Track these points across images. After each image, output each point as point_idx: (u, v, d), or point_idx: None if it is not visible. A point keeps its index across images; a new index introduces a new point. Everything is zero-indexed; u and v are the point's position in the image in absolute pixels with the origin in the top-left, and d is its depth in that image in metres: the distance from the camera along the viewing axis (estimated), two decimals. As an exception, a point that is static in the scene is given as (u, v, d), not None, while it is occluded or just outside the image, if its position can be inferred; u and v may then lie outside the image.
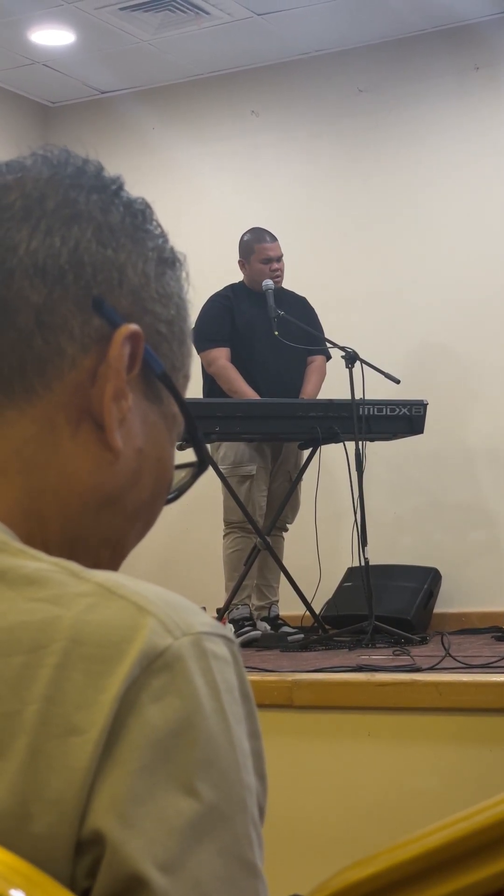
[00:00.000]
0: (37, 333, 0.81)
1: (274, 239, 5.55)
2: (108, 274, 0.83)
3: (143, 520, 0.88)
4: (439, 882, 0.69)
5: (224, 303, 5.47)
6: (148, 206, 0.89)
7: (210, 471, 5.21)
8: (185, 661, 0.70)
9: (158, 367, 0.85)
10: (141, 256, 0.85)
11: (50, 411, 0.81)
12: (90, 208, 0.84)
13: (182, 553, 6.49)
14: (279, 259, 5.51)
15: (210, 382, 5.44)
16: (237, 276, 5.64)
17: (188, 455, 0.94)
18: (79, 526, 0.83)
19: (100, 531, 0.84)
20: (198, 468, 0.93)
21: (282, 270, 5.50)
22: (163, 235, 0.89)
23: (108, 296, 0.83)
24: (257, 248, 5.52)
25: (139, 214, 0.87)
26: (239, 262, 5.59)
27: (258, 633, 5.17)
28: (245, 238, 5.59)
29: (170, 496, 0.91)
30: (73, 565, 0.75)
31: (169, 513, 0.90)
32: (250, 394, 5.28)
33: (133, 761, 0.68)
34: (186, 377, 0.91)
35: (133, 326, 0.82)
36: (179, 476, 0.92)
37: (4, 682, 0.69)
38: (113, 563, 0.87)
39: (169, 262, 0.88)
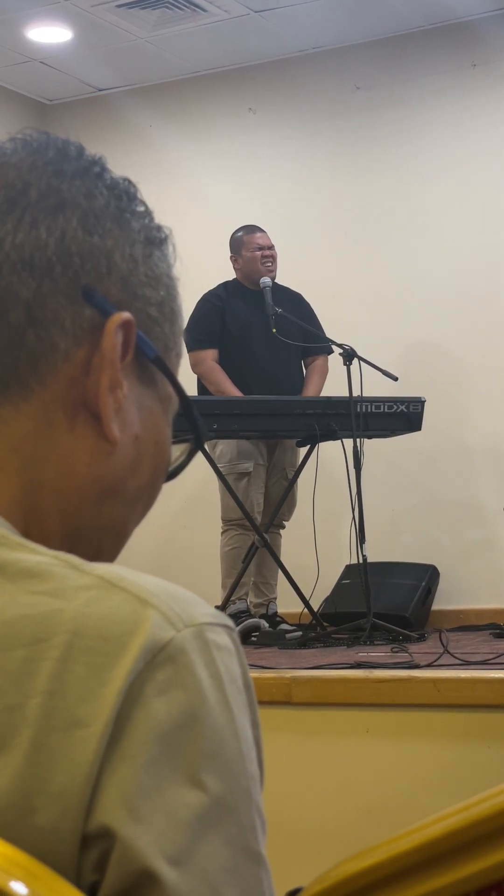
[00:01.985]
0: (28, 329, 0.80)
1: (264, 232, 5.60)
2: (96, 262, 0.82)
3: (143, 503, 0.88)
4: (439, 873, 0.69)
5: (215, 302, 5.48)
6: (132, 184, 0.87)
7: (207, 468, 5.23)
8: (189, 653, 0.70)
9: (151, 351, 0.84)
10: (128, 240, 0.84)
11: (46, 406, 0.81)
12: (74, 195, 0.83)
13: (179, 550, 6.49)
14: (270, 248, 5.55)
15: (198, 381, 5.46)
16: (234, 274, 5.65)
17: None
18: (79, 518, 0.83)
19: (100, 520, 0.84)
20: (194, 445, 0.93)
21: (274, 260, 5.53)
22: (148, 214, 0.87)
23: (97, 284, 0.82)
24: (247, 238, 5.58)
25: (124, 196, 0.86)
26: (230, 257, 5.62)
27: (257, 620, 5.18)
28: (235, 234, 5.65)
29: (168, 475, 0.90)
30: (74, 558, 0.75)
31: (166, 511, 0.91)
32: (237, 394, 5.29)
33: (140, 755, 0.68)
34: (178, 355, 0.90)
35: (125, 315, 0.82)
36: (175, 454, 0.92)
37: (6, 676, 0.69)
38: (115, 549, 0.87)
39: (156, 241, 0.87)
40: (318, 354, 5.60)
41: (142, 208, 0.87)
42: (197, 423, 0.89)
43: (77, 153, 0.86)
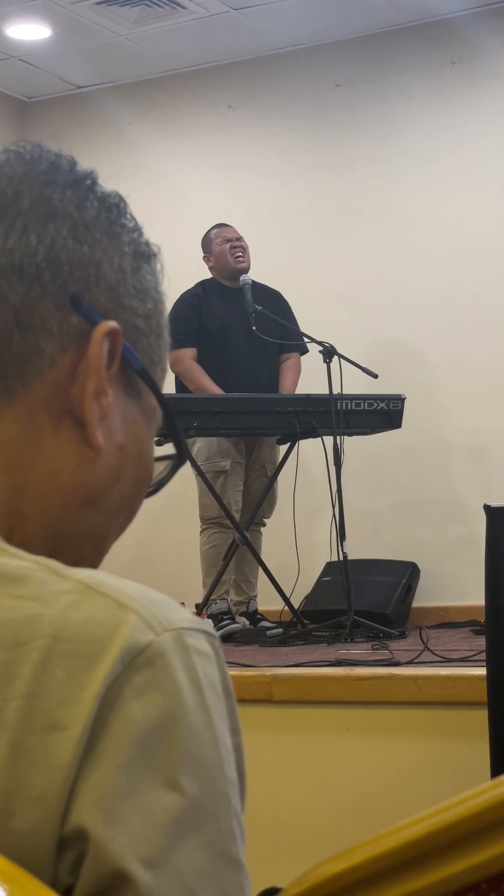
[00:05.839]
0: (15, 333, 0.80)
1: (231, 226, 5.66)
2: (85, 271, 0.83)
3: (125, 514, 0.88)
4: (418, 874, 0.70)
5: (193, 301, 5.49)
6: (122, 199, 0.88)
7: (186, 466, 5.22)
8: (167, 656, 0.70)
9: (137, 362, 0.85)
10: (117, 252, 0.85)
11: (31, 410, 0.81)
12: (65, 205, 0.84)
13: (158, 549, 6.49)
14: (239, 239, 5.58)
15: (176, 380, 5.46)
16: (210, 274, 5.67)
17: (166, 448, 0.94)
18: (61, 523, 0.83)
19: (82, 528, 0.84)
20: (176, 461, 0.93)
21: (244, 250, 5.55)
22: (137, 229, 0.88)
23: (85, 293, 0.82)
24: (214, 234, 5.64)
25: (114, 209, 0.87)
26: (203, 257, 5.64)
27: (238, 625, 5.18)
28: (205, 234, 5.67)
29: (149, 489, 0.91)
30: (55, 563, 0.75)
31: (145, 509, 0.91)
32: (217, 392, 5.29)
33: (116, 757, 0.68)
34: (164, 370, 0.91)
35: (111, 323, 0.82)
36: (158, 469, 0.93)
37: (-14, 680, 0.69)
38: (95, 558, 0.87)
39: (145, 255, 0.88)
40: (292, 352, 5.61)
41: (132, 223, 0.88)
42: (180, 438, 0.90)
43: (69, 166, 0.87)
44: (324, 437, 5.00)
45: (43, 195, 0.84)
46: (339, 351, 5.07)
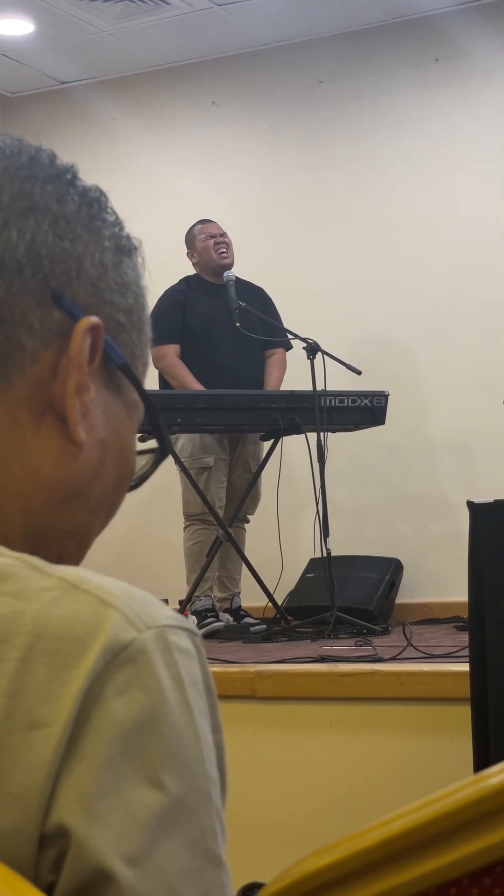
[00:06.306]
0: None
1: (214, 222, 5.66)
2: (65, 266, 0.83)
3: (107, 509, 0.88)
4: (400, 869, 0.70)
5: (177, 297, 5.49)
6: (102, 193, 0.88)
7: (169, 463, 5.22)
8: (149, 654, 0.70)
9: (119, 358, 0.85)
10: (98, 246, 0.85)
11: (12, 406, 0.81)
12: (46, 199, 0.83)
13: (142, 546, 6.49)
14: (223, 235, 5.58)
15: (160, 376, 5.46)
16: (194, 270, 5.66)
17: (151, 444, 0.94)
18: (42, 519, 0.83)
19: (64, 524, 0.84)
20: (159, 455, 0.93)
21: (228, 246, 5.55)
22: (118, 223, 0.88)
23: (66, 288, 0.82)
24: (197, 230, 5.64)
25: (94, 203, 0.86)
26: (187, 254, 5.64)
27: (221, 623, 5.18)
28: (188, 230, 5.67)
29: (132, 484, 0.91)
30: (36, 560, 0.75)
31: (129, 505, 0.91)
32: (199, 388, 5.29)
33: (98, 755, 0.67)
34: (145, 364, 0.91)
35: (93, 319, 0.82)
36: (140, 463, 0.92)
37: (-33, 677, 0.69)
38: (78, 555, 0.87)
39: (126, 250, 0.88)
40: (277, 348, 5.61)
41: (112, 217, 0.88)
42: (162, 432, 0.90)
43: (49, 160, 0.87)
44: (307, 434, 5.00)
45: (23, 190, 0.83)
46: (323, 347, 5.08)
